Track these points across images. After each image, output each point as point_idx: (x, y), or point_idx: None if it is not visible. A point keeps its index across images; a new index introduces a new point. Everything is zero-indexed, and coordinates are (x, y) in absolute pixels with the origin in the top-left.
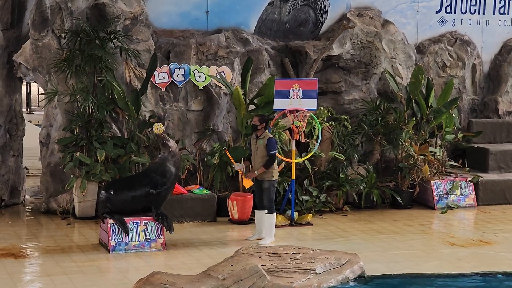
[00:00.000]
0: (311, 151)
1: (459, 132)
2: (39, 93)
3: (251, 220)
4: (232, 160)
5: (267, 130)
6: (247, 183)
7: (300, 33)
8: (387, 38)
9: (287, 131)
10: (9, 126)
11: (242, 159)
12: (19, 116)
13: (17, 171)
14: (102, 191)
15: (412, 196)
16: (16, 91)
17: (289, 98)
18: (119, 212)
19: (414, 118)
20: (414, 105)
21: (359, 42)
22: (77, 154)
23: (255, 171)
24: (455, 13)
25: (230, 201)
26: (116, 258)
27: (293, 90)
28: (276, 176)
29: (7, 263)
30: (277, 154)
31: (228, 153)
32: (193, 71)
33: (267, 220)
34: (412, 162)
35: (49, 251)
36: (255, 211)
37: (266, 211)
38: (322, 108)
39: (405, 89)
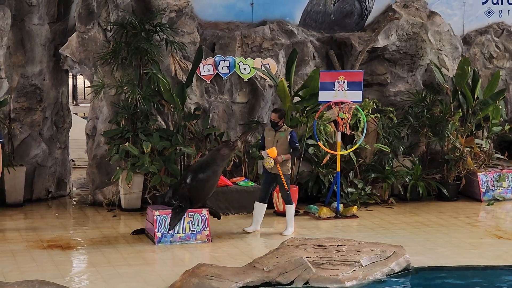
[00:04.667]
0: (356, 143)
1: (506, 123)
2: (86, 86)
3: (296, 212)
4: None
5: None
6: (272, 151)
7: (345, 25)
8: (433, 29)
9: (332, 123)
10: (56, 118)
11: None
12: (66, 109)
13: (63, 163)
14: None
15: (458, 189)
16: (62, 83)
17: (334, 90)
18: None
19: (460, 110)
20: (460, 96)
21: (405, 34)
22: (126, 144)
23: (281, 156)
24: (502, 3)
25: (275, 193)
26: (161, 250)
27: (338, 82)
28: (289, 171)
29: (54, 255)
30: (321, 145)
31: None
32: (238, 63)
33: (288, 211)
34: (458, 154)
35: (95, 242)
36: (256, 203)
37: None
38: (367, 100)
39: (451, 80)
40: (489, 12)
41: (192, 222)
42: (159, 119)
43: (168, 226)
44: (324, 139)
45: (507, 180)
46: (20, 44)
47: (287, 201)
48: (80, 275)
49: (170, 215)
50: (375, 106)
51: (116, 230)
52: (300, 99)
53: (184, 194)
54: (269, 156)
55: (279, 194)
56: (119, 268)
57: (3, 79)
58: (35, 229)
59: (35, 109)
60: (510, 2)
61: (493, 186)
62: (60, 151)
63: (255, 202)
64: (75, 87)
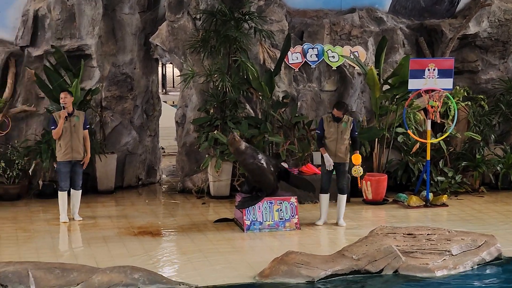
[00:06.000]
0: (446, 132)
1: None
2: (176, 74)
3: (385, 201)
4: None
5: None
6: (357, 159)
7: (436, 11)
8: None
9: (422, 111)
10: (146, 106)
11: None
12: (156, 97)
13: (153, 150)
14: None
15: None
16: (152, 72)
17: (424, 78)
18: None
19: None
20: None
21: (496, 20)
22: (215, 132)
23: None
24: None
25: (364, 181)
26: (250, 237)
27: (429, 70)
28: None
29: (144, 241)
30: (411, 134)
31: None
32: (326, 51)
33: (343, 201)
34: None
35: (185, 229)
36: (325, 195)
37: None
38: (458, 87)
39: None
40: None
41: (281, 210)
42: (248, 107)
43: (237, 204)
44: (413, 128)
45: None
46: (111, 33)
47: (344, 190)
48: (170, 261)
49: (246, 197)
50: (465, 93)
51: (205, 217)
52: (389, 87)
53: (254, 185)
54: (355, 166)
55: (368, 182)
56: (209, 255)
57: (95, 68)
58: (126, 216)
59: (126, 98)
60: None
61: None
62: (150, 138)
63: (325, 195)
64: (164, 76)
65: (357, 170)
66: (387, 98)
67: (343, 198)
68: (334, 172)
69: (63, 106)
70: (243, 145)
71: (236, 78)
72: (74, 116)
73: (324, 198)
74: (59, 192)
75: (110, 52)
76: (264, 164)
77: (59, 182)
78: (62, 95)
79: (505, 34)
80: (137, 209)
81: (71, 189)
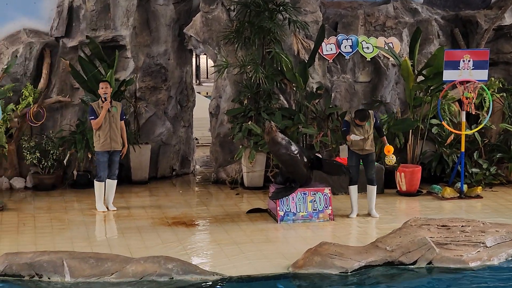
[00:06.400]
0: (481, 123)
1: None
2: (210, 65)
3: (419, 192)
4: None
5: None
6: (389, 149)
7: (471, 2)
8: None
9: (457, 103)
10: (180, 97)
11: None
12: (190, 88)
13: (187, 141)
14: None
15: None
16: (186, 63)
17: (459, 69)
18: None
19: None
20: None
21: None
22: (249, 123)
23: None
24: None
25: (398, 173)
26: (284, 228)
27: (464, 61)
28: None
29: (178, 231)
30: (446, 125)
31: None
32: (360, 42)
33: (373, 192)
34: None
35: (218, 220)
36: (354, 187)
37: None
38: (493, 79)
39: None
40: None
41: (314, 201)
42: (282, 98)
43: (270, 195)
44: (448, 119)
45: None
46: (146, 24)
47: (374, 181)
48: (203, 251)
49: (280, 188)
50: (500, 85)
51: (239, 207)
52: (423, 78)
53: (288, 176)
54: (388, 155)
55: (402, 173)
56: (242, 246)
57: (129, 59)
58: (160, 206)
59: (160, 88)
60: None
61: None
62: (184, 129)
63: (350, 187)
64: (198, 67)
65: (391, 161)
66: (421, 89)
67: (373, 189)
68: (361, 163)
69: (104, 97)
70: (279, 136)
71: (270, 69)
72: (113, 106)
73: (354, 189)
74: (97, 182)
75: (144, 43)
76: (298, 156)
77: (97, 172)
78: (102, 85)
79: None
80: (171, 200)
81: (107, 179)
